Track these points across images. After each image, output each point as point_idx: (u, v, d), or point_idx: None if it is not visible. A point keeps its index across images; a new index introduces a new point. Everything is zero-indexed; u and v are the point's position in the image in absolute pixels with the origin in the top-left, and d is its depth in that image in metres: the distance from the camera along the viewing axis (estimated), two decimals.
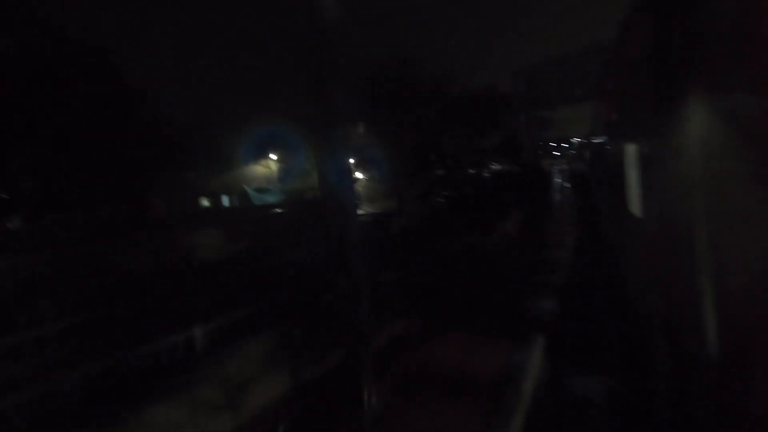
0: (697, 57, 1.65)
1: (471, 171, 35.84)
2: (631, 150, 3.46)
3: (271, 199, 35.77)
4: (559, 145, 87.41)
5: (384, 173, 40.33)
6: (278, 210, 32.26)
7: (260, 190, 36.14)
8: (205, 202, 34.28)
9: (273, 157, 37.81)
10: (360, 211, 30.71)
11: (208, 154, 34.00)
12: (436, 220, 26.20)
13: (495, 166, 42.18)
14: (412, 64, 38.28)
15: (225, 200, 36.22)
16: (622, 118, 4.31)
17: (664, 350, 2.53)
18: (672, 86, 1.97)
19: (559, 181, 36.02)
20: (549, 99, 29.51)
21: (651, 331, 3.05)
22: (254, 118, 37.94)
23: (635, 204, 3.40)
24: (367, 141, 39.23)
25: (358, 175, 44.10)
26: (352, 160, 43.94)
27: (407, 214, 30.00)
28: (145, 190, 28.38)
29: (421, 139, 38.07)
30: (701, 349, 1.78)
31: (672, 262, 2.28)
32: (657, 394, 2.85)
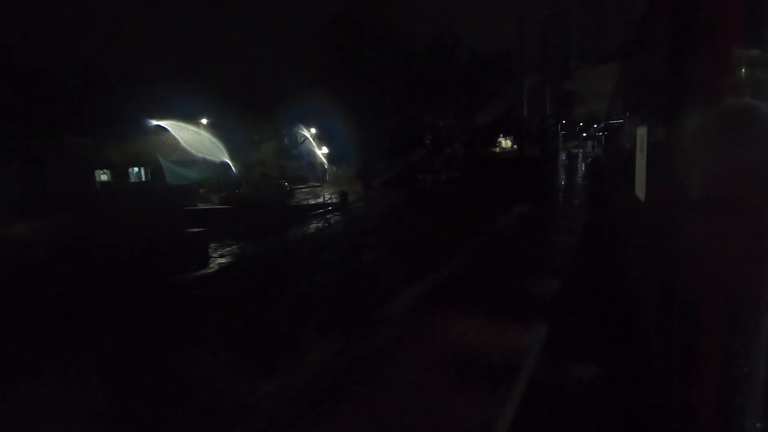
0: (714, 41, 1.65)
1: (461, 152, 27.16)
2: (642, 132, 3.61)
3: (193, 175, 27.58)
4: (588, 125, 76.75)
5: (353, 150, 31.86)
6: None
7: (181, 163, 27.92)
8: (103, 177, 26.23)
9: (204, 121, 29.40)
10: (306, 199, 22.76)
11: (111, 114, 25.78)
12: (394, 219, 18.33)
13: (496, 148, 33.43)
14: (386, 10, 29.29)
15: (140, 174, 28.15)
16: (638, 99, 4.52)
17: (656, 337, 2.67)
18: (688, 71, 1.99)
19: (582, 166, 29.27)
20: (569, 58, 20.67)
21: (646, 318, 3.28)
22: (181, 71, 29.38)
23: (640, 188, 3.61)
24: (332, 110, 30.61)
25: (319, 151, 35.65)
26: (310, 132, 35.43)
27: (357, 205, 21.90)
28: None
29: (398, 110, 29.41)
30: (684, 338, 1.90)
31: (664, 249, 2.46)
32: (648, 380, 2.93)
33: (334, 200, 22.56)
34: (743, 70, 1.38)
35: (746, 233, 1.32)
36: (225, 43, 28.62)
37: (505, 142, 46.40)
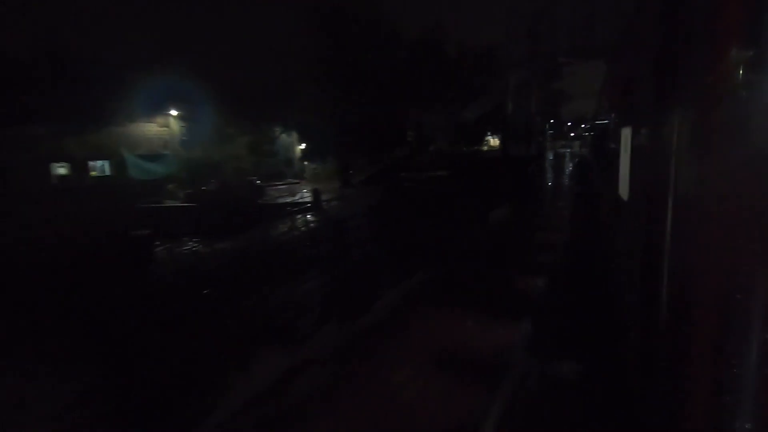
0: (695, 47, 1.73)
1: (445, 150, 25.91)
2: (626, 133, 3.70)
3: (160, 169, 25.93)
4: (577, 125, 75.98)
5: (334, 146, 30.40)
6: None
7: (147, 157, 26.22)
8: (60, 170, 24.46)
9: (174, 112, 27.71)
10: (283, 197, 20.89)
11: (72, 103, 24.00)
12: (366, 221, 17.08)
13: (483, 146, 32.28)
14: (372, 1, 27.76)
15: (104, 168, 26.40)
16: (623, 100, 4.58)
17: (641, 336, 2.70)
18: (671, 73, 2.05)
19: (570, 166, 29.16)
20: (557, 53, 19.61)
21: (626, 317, 3.32)
22: (151, 58, 27.67)
23: (624, 188, 3.68)
24: (313, 103, 29.12)
25: (298, 146, 34.11)
26: (288, 126, 33.84)
27: (332, 205, 20.54)
28: None
29: (381, 105, 28.03)
30: (662, 336, 1.95)
31: (644, 248, 2.50)
32: (632, 379, 2.98)
33: (307, 199, 21.16)
34: (731, 70, 1.36)
35: (733, 233, 1.31)
36: (199, 31, 26.95)
37: (494, 141, 45.37)
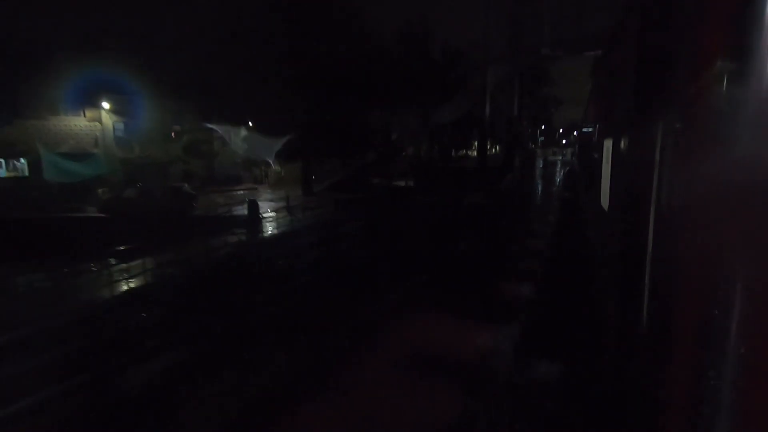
0: (673, 62, 1.74)
1: (419, 158, 22.60)
2: (608, 145, 3.76)
3: (85, 171, 22.29)
4: (569, 132, 73.30)
5: (299, 148, 26.88)
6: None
7: (72, 156, 22.56)
8: None
9: (106, 105, 24.06)
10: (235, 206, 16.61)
11: None
12: (310, 244, 14.24)
13: (465, 152, 29.08)
14: None
15: (19, 168, 22.70)
16: (606, 111, 4.75)
17: (613, 338, 2.79)
18: (653, 85, 2.04)
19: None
20: (542, 44, 16.26)
21: (606, 320, 3.38)
22: (77, 39, 24.05)
23: (604, 198, 3.85)
24: (275, 100, 25.60)
25: (259, 147, 30.46)
26: (247, 125, 30.31)
27: (279, 217, 17.07)
28: None
29: (352, 105, 24.65)
30: (639, 337, 1.96)
31: (622, 255, 2.56)
32: (603, 378, 3.14)
33: (249, 210, 17.65)
34: (713, 82, 1.34)
35: (713, 242, 1.30)
36: (140, 9, 23.45)
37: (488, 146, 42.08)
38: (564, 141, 73.60)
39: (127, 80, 23.92)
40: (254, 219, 16.82)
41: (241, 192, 27.57)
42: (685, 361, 1.42)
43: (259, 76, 23.64)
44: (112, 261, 12.28)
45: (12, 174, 22.39)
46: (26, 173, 22.77)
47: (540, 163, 41.47)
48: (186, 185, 19.57)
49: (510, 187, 17.49)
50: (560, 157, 50.53)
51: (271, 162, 27.77)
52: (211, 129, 25.77)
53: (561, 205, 20.00)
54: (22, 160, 22.68)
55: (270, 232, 15.78)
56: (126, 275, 9.79)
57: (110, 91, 24.02)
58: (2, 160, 21.96)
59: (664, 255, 1.68)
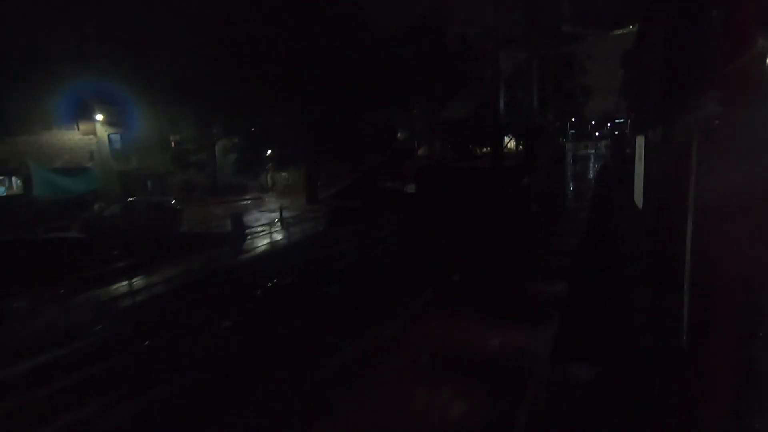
0: (703, 58, 1.67)
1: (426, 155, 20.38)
2: (640, 141, 3.65)
3: (79, 186, 21.33)
4: (602, 123, 68.68)
5: (304, 153, 25.14)
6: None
7: (65, 171, 21.64)
8: None
9: (99, 117, 23.06)
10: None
11: None
12: (301, 268, 12.56)
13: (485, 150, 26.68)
14: None
15: (16, 185, 22.00)
16: (638, 104, 4.55)
17: (648, 339, 2.81)
18: (680, 83, 2.00)
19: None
20: (563, 21, 13.68)
21: (641, 320, 3.48)
22: (74, 52, 23.12)
23: (638, 195, 3.73)
24: (278, 102, 23.95)
25: (262, 153, 28.91)
26: (249, 130, 28.78)
27: (274, 232, 15.18)
28: None
29: (358, 103, 22.68)
30: (676, 339, 1.90)
31: (658, 255, 2.54)
32: (638, 380, 3.08)
33: (232, 226, 15.91)
34: (754, 69, 1.25)
35: (754, 240, 1.24)
36: (128, 16, 22.30)
37: (510, 143, 38.74)
38: (597, 133, 68.94)
39: (120, 89, 22.86)
40: (237, 236, 15.07)
41: (244, 202, 26.15)
42: (726, 360, 1.37)
43: (258, 75, 21.97)
44: (60, 293, 10.76)
45: (11, 192, 21.73)
46: (19, 191, 22.07)
47: (570, 158, 38.15)
48: (169, 200, 18.08)
49: (531, 188, 15.05)
50: (593, 151, 46.71)
51: (270, 169, 26.14)
52: (211, 136, 24.42)
53: (594, 203, 18.06)
54: (13, 178, 22.01)
55: (251, 253, 13.95)
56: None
57: (103, 101, 23.04)
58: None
59: (704, 254, 1.61)
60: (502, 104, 14.97)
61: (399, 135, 23.57)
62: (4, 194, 21.48)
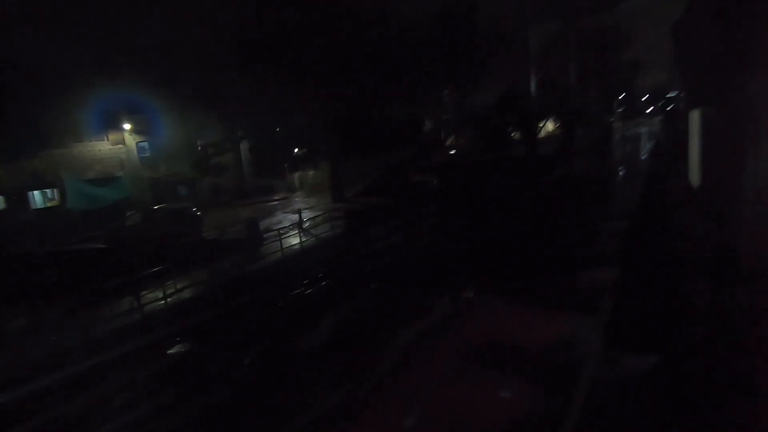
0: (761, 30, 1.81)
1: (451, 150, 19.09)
2: (695, 116, 3.52)
3: (111, 195, 21.70)
4: (655, 98, 63.68)
5: (330, 149, 24.40)
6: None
7: (96, 181, 22.09)
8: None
9: (127, 126, 23.34)
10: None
11: None
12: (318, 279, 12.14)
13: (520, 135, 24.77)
14: None
15: (39, 198, 22.65)
16: (692, 76, 4.38)
17: (705, 333, 2.70)
18: (738, 50, 2.04)
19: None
20: None
21: (697, 313, 3.27)
22: (99, 63, 23.47)
23: (694, 175, 3.53)
24: (303, 99, 23.30)
25: (289, 152, 28.40)
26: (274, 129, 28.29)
27: (296, 235, 14.35)
28: None
29: (386, 93, 21.57)
30: (736, 329, 1.90)
31: (715, 240, 2.51)
32: (693, 375, 2.88)
33: (248, 232, 15.35)
34: None
35: None
36: (155, 25, 22.31)
37: (550, 126, 36.00)
38: (649, 110, 63.70)
39: (145, 97, 22.98)
40: (253, 241, 14.46)
41: (273, 203, 25.78)
42: None
43: (280, 72, 21.26)
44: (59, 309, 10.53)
45: (51, 204, 22.45)
46: (57, 203, 22.73)
47: (617, 138, 35.07)
48: (190, 206, 17.81)
49: (569, 176, 13.51)
50: (644, 130, 42.89)
51: (297, 168, 25.58)
52: (236, 138, 24.16)
53: (646, 185, 16.36)
54: (54, 190, 22.69)
55: (266, 260, 13.28)
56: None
57: (130, 111, 23.27)
58: (37, 192, 22.01)
59: (766, 239, 1.35)
60: (533, 86, 13.37)
61: (426, 126, 22.20)
62: (45, 206, 22.16)
